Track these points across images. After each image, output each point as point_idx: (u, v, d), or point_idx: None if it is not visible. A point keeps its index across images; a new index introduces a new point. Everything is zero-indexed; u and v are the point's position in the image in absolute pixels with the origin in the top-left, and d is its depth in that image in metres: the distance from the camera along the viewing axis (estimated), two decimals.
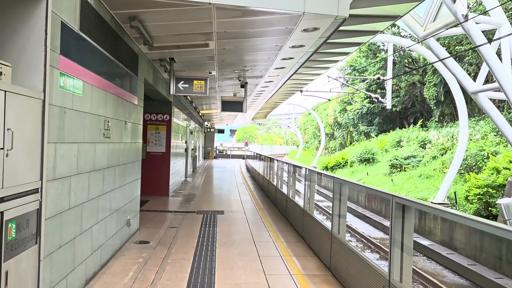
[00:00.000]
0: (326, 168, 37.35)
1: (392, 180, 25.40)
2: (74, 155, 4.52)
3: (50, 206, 3.94)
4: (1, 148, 3.08)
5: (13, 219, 3.29)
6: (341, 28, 6.35)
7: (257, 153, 26.64)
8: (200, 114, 26.48)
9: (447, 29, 13.09)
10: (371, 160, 33.30)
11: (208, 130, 39.84)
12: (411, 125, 36.35)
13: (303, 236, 8.12)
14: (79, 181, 4.69)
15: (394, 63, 35.78)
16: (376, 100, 27.35)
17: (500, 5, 13.73)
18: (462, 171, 20.50)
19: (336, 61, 13.06)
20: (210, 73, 10.04)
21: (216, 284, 5.35)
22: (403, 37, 34.53)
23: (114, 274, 5.60)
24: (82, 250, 4.93)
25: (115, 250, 6.56)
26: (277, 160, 13.94)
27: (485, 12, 14.88)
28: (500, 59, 12.61)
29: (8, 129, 3.15)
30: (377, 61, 39.48)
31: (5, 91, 3.11)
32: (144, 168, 9.12)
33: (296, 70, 10.64)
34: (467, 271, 10.24)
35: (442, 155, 25.28)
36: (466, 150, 19.95)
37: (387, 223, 14.97)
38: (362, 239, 13.76)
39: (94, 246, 5.40)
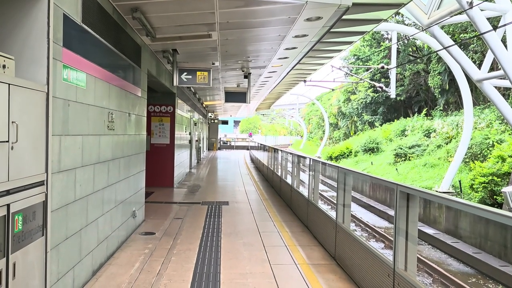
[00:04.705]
0: (331, 158, 37.29)
1: (396, 169, 25.35)
2: (79, 148, 4.53)
3: (56, 198, 3.97)
4: (6, 141, 3.10)
5: (20, 211, 3.32)
6: (344, 17, 6.30)
7: (261, 144, 26.63)
8: (204, 105, 26.47)
9: (451, 16, 12.94)
10: (375, 149, 33.21)
11: (212, 121, 39.84)
12: (416, 114, 36.16)
13: (307, 226, 8.14)
14: (84, 173, 4.71)
15: (398, 52, 35.49)
16: (380, 90, 27.19)
17: None
18: (467, 160, 20.42)
19: (339, 51, 12.95)
20: (213, 64, 10.01)
21: (221, 274, 5.39)
22: (407, 25, 34.20)
23: (121, 265, 5.65)
24: (88, 242, 4.97)
25: (121, 242, 6.61)
26: (281, 150, 13.94)
27: None
28: (505, 46, 12.47)
29: (12, 122, 3.16)
30: (381, 50, 39.20)
31: (9, 84, 3.12)
32: (149, 160, 9.15)
33: (300, 60, 10.59)
34: (472, 260, 10.25)
35: (446, 144, 25.17)
36: (471, 139, 19.84)
37: (391, 212, 14.98)
38: (367, 229, 13.78)
39: (100, 237, 5.44)
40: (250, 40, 8.32)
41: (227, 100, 12.45)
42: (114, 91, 5.87)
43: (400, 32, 26.29)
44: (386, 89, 26.61)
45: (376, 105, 43.14)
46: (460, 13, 13.14)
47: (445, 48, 14.54)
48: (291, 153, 11.99)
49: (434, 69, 31.89)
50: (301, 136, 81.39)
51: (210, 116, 37.65)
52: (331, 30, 7.18)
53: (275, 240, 7.21)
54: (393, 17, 32.92)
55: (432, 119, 31.68)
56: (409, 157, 26.44)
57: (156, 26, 6.84)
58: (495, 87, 14.43)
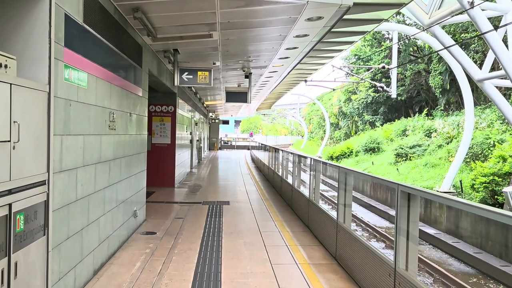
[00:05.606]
0: (331, 158, 37.27)
1: (397, 169, 25.33)
2: (80, 147, 4.54)
3: (57, 198, 3.98)
4: (8, 141, 3.10)
5: (21, 211, 3.32)
6: (345, 16, 6.30)
7: (262, 144, 26.62)
8: (205, 105, 26.46)
9: (452, 16, 12.93)
10: (376, 149, 33.20)
11: (213, 121, 39.84)
12: (416, 114, 36.14)
13: (308, 226, 8.14)
14: (85, 173, 4.72)
15: (399, 52, 35.48)
16: (381, 89, 27.20)
17: None
18: (468, 160, 20.40)
19: (340, 50, 12.95)
20: (214, 64, 10.01)
21: (222, 273, 5.39)
22: (408, 25, 34.16)
23: (122, 265, 5.66)
24: (89, 241, 4.98)
25: (122, 241, 6.61)
26: (282, 150, 13.94)
27: None
28: (507, 46, 12.46)
29: (14, 122, 3.17)
30: (381, 50, 39.18)
31: (11, 84, 3.12)
32: (150, 159, 9.15)
33: (300, 60, 10.59)
34: (473, 259, 10.24)
35: (447, 143, 25.16)
36: (472, 139, 19.83)
37: (392, 212, 14.97)
38: (368, 228, 13.78)
39: (101, 237, 5.45)
40: (251, 40, 8.32)
41: (228, 100, 12.45)
42: (115, 91, 5.88)
43: (401, 32, 26.29)
44: (387, 89, 26.60)
45: (377, 105, 43.12)
46: (461, 13, 13.13)
47: (446, 48, 14.54)
48: (292, 153, 11.99)
49: (435, 69, 31.87)
50: (302, 136, 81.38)
51: (211, 116, 37.65)
52: (332, 30, 7.18)
53: (276, 240, 7.22)
54: (394, 17, 32.88)
55: (433, 119, 31.66)
56: (410, 157, 26.42)
57: (157, 26, 6.85)
58: (496, 87, 14.42)
